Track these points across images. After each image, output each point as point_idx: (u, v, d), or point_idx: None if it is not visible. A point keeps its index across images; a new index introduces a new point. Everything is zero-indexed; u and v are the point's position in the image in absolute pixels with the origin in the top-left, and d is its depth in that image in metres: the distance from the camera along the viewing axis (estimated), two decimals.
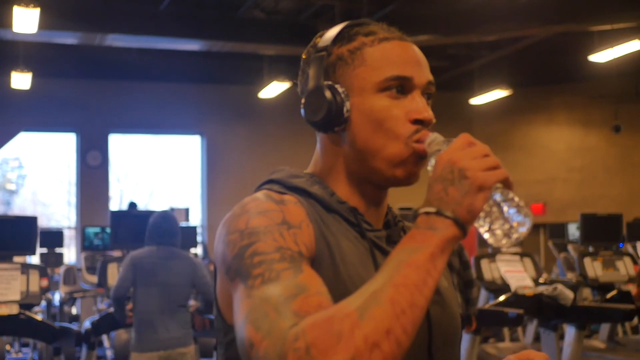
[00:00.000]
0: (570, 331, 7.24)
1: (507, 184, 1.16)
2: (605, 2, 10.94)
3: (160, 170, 18.23)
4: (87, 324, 6.16)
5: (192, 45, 12.56)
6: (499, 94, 13.81)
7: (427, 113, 1.33)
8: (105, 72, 14.51)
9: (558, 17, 11.31)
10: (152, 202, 20.70)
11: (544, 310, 7.13)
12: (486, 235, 1.17)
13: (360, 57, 1.36)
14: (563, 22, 11.42)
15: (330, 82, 1.36)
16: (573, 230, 12.16)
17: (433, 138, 1.29)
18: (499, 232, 1.15)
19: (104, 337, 9.08)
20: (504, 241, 1.16)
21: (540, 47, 13.22)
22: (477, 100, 14.55)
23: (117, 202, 20.48)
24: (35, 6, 9.14)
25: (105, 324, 6.19)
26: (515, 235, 1.15)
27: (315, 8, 11.76)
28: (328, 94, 1.34)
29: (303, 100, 1.39)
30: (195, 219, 15.51)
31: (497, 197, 1.15)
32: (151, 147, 17.42)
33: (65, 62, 13.67)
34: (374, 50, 1.36)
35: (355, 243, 1.32)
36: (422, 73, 1.36)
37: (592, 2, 10.96)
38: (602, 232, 8.35)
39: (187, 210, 14.46)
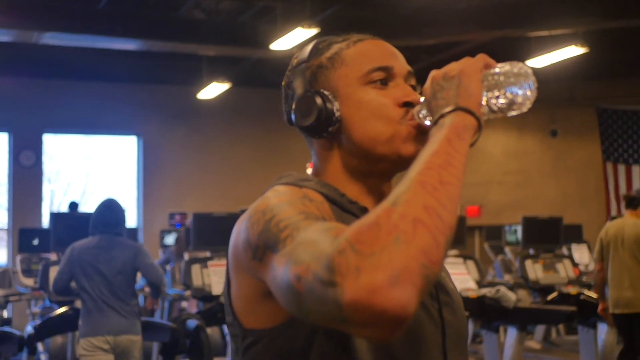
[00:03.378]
0: (511, 332, 7.36)
1: (491, 65, 1.25)
2: (543, 8, 11.12)
3: (95, 171, 17.96)
4: (29, 329, 6.04)
5: (130, 45, 12.38)
6: None
7: (415, 95, 1.38)
8: (41, 71, 14.22)
9: (497, 23, 11.46)
10: (85, 202, 20.40)
11: (487, 312, 7.23)
12: (505, 112, 1.24)
13: (339, 60, 1.41)
14: (502, 27, 11.57)
15: (315, 89, 1.40)
16: (509, 233, 12.35)
17: (419, 108, 1.34)
18: (509, 100, 1.22)
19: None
20: (519, 103, 1.23)
21: (478, 52, 13.28)
22: None
23: (48, 203, 20.13)
24: None
25: (48, 328, 6.08)
26: (527, 92, 1.22)
27: (256, 9, 11.70)
28: (316, 97, 1.37)
29: (294, 106, 1.41)
30: (131, 220, 15.31)
31: (489, 77, 1.23)
32: (86, 147, 17.14)
33: (0, 59, 13.37)
34: (351, 51, 1.42)
35: None
36: (401, 63, 1.43)
37: (530, 9, 11.12)
38: (543, 234, 8.52)
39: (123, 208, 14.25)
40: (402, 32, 11.30)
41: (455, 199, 1.05)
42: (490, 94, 1.22)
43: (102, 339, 5.17)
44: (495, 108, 1.23)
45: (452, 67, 1.24)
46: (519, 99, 1.22)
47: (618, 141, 15.74)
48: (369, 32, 1.48)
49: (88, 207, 18.78)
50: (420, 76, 1.41)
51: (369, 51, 1.41)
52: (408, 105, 1.36)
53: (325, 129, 1.37)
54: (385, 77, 1.39)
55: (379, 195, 1.40)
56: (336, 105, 1.37)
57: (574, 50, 11.26)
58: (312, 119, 1.37)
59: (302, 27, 9.85)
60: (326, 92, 1.38)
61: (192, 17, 11.96)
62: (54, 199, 20.45)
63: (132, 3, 11.53)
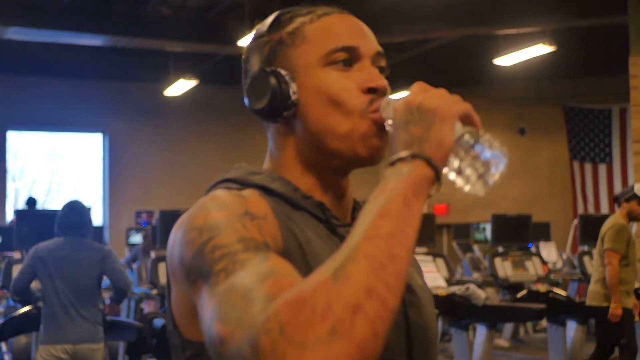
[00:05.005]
0: (481, 330, 7.36)
1: (472, 122, 1.07)
2: (511, 7, 11.15)
3: (60, 168, 17.81)
4: None
5: (96, 41, 12.26)
6: (404, 94, 13.95)
7: (381, 81, 1.24)
8: (5, 67, 14.04)
9: (465, 20, 11.49)
10: (50, 200, 20.26)
11: (456, 310, 7.21)
12: (459, 182, 1.06)
13: (300, 36, 1.27)
14: (470, 25, 11.61)
15: (272, 68, 1.26)
16: (477, 231, 12.39)
17: (387, 101, 1.20)
18: (471, 174, 1.04)
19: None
20: (478, 185, 1.04)
21: (446, 50, 13.39)
22: None
23: (12, 201, 19.94)
24: None
25: (11, 328, 5.99)
26: (491, 177, 1.04)
27: (224, 5, 11.63)
28: (270, 77, 1.24)
29: (246, 87, 1.28)
30: (97, 218, 15.17)
31: (465, 137, 1.05)
32: (51, 144, 16.98)
33: None
34: (314, 27, 1.27)
35: (326, 240, 1.21)
36: (369, 43, 1.28)
37: (499, 7, 11.15)
38: (512, 232, 8.54)
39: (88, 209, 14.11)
40: (371, 29, 11.28)
41: (402, 277, 0.93)
42: (456, 158, 1.06)
43: (60, 348, 5.05)
44: (453, 177, 1.06)
45: (430, 100, 1.08)
46: (483, 177, 1.04)
47: (585, 140, 15.83)
48: None
49: (53, 205, 18.60)
50: (390, 74, 1.30)
51: (334, 28, 1.27)
52: (373, 91, 1.24)
53: (279, 113, 1.25)
54: (348, 57, 1.25)
55: (336, 190, 1.29)
56: (293, 88, 1.24)
57: (541, 49, 11.30)
58: (265, 102, 1.24)
59: None
60: (283, 72, 1.25)
61: (159, 13, 11.86)
62: (18, 197, 20.25)
63: None
